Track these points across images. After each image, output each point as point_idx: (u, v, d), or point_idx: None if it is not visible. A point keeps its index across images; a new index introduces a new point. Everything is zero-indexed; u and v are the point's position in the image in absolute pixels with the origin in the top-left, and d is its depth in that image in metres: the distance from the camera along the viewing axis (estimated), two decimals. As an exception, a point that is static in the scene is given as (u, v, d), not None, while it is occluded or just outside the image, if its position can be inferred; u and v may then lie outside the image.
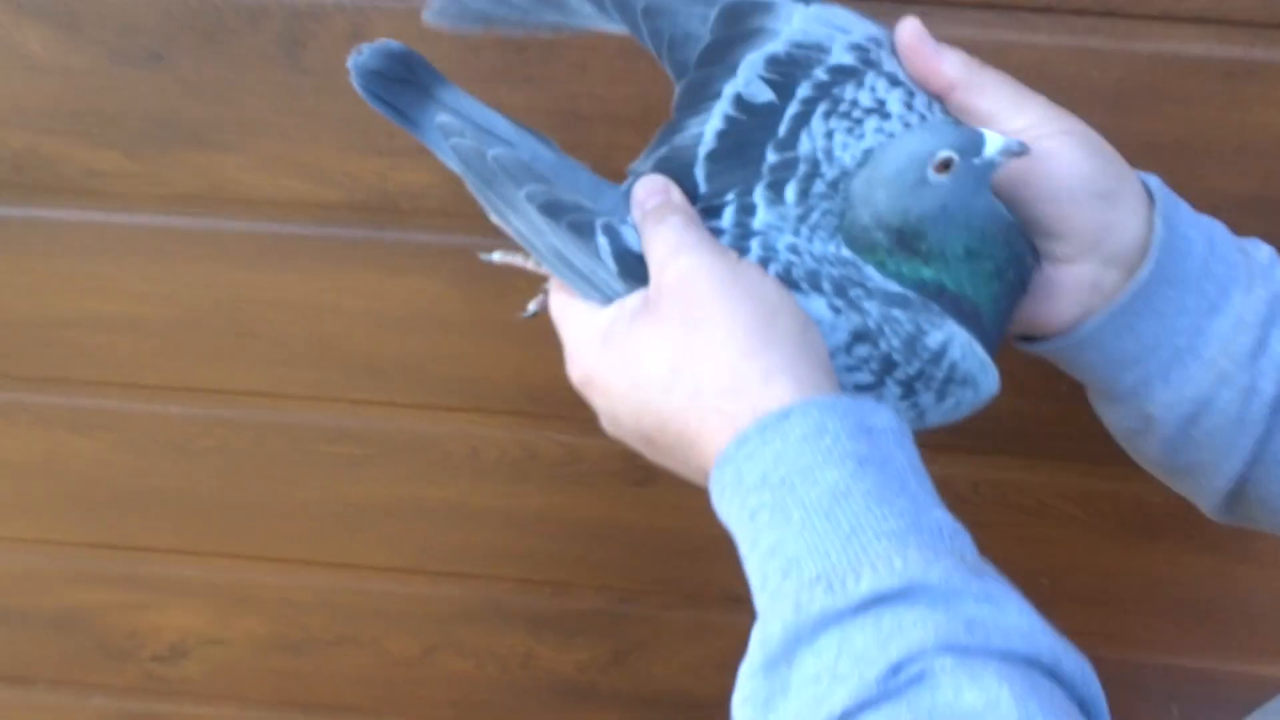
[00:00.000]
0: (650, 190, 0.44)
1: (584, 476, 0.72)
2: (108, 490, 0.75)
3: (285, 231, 0.65)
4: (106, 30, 0.60)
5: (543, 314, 0.50)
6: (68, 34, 0.60)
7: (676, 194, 0.44)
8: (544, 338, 0.67)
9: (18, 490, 0.76)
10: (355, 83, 0.46)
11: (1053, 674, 0.33)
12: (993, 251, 0.43)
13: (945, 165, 0.41)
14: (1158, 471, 0.49)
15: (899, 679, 0.32)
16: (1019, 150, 0.42)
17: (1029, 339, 0.47)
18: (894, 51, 0.46)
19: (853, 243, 0.44)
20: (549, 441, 0.71)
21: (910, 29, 0.44)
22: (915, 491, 0.37)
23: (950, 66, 0.44)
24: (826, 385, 0.39)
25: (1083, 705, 0.33)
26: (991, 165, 0.42)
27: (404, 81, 0.45)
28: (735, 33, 0.45)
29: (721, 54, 0.45)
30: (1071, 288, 0.44)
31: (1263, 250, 0.46)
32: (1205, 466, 0.46)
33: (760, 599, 0.37)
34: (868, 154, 0.44)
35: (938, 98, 0.45)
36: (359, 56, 0.46)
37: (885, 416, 0.38)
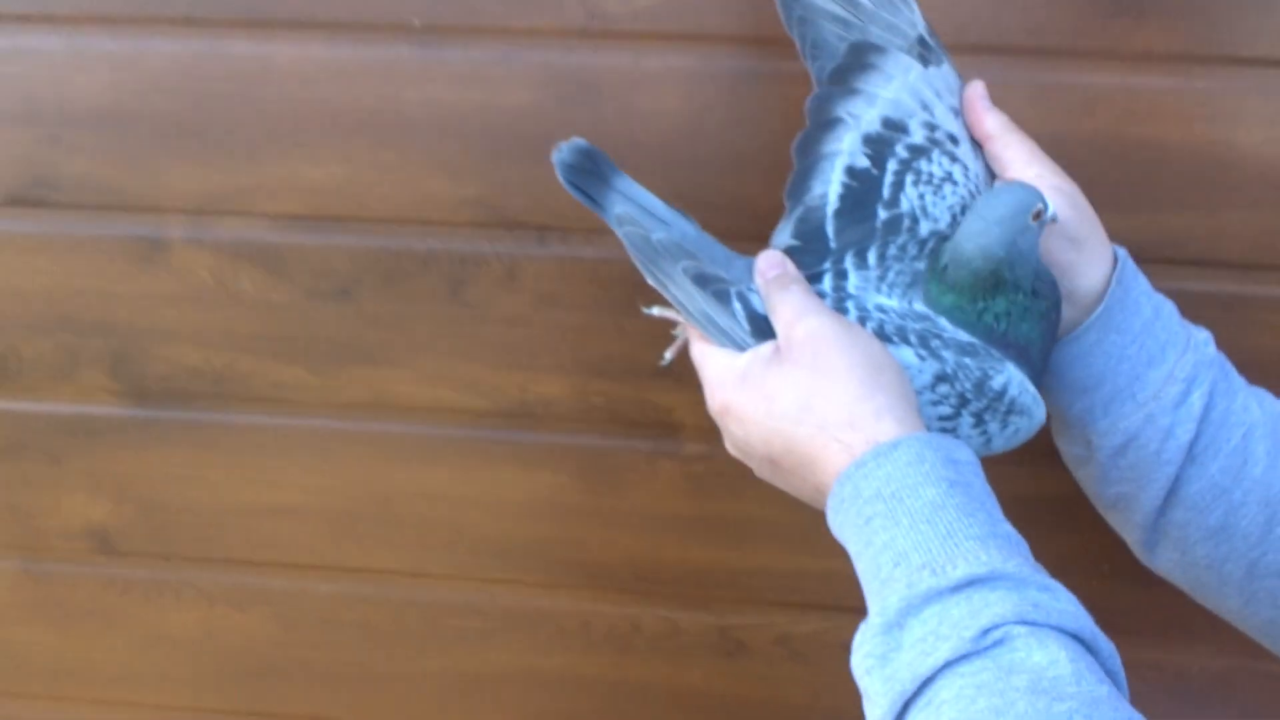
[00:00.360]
0: (770, 263, 0.56)
1: (682, 649, 0.81)
2: (256, 661, 0.85)
3: (436, 434, 0.78)
4: (306, 272, 0.74)
5: (677, 360, 0.62)
6: (274, 275, 0.74)
7: (791, 266, 0.56)
8: (650, 524, 0.78)
9: (175, 662, 0.86)
10: (558, 174, 0.58)
11: (1090, 648, 0.44)
12: (1046, 294, 0.55)
13: (1038, 215, 0.54)
14: (1099, 502, 0.60)
15: (986, 640, 0.42)
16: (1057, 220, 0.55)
17: None
18: (959, 113, 0.59)
19: (942, 283, 0.55)
20: (652, 616, 0.80)
21: (975, 89, 0.58)
22: (990, 509, 0.48)
23: (991, 123, 0.58)
24: (918, 424, 0.51)
25: (1110, 675, 0.44)
26: (1045, 224, 0.55)
27: (590, 172, 0.58)
28: (856, 62, 0.59)
29: (844, 76, 0.59)
30: None
31: (1203, 333, 0.59)
32: (1129, 499, 0.57)
33: (872, 585, 0.47)
34: (951, 210, 0.57)
35: (978, 143, 0.59)
36: (559, 153, 0.58)
37: (966, 453, 0.50)
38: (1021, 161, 0.57)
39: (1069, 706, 0.40)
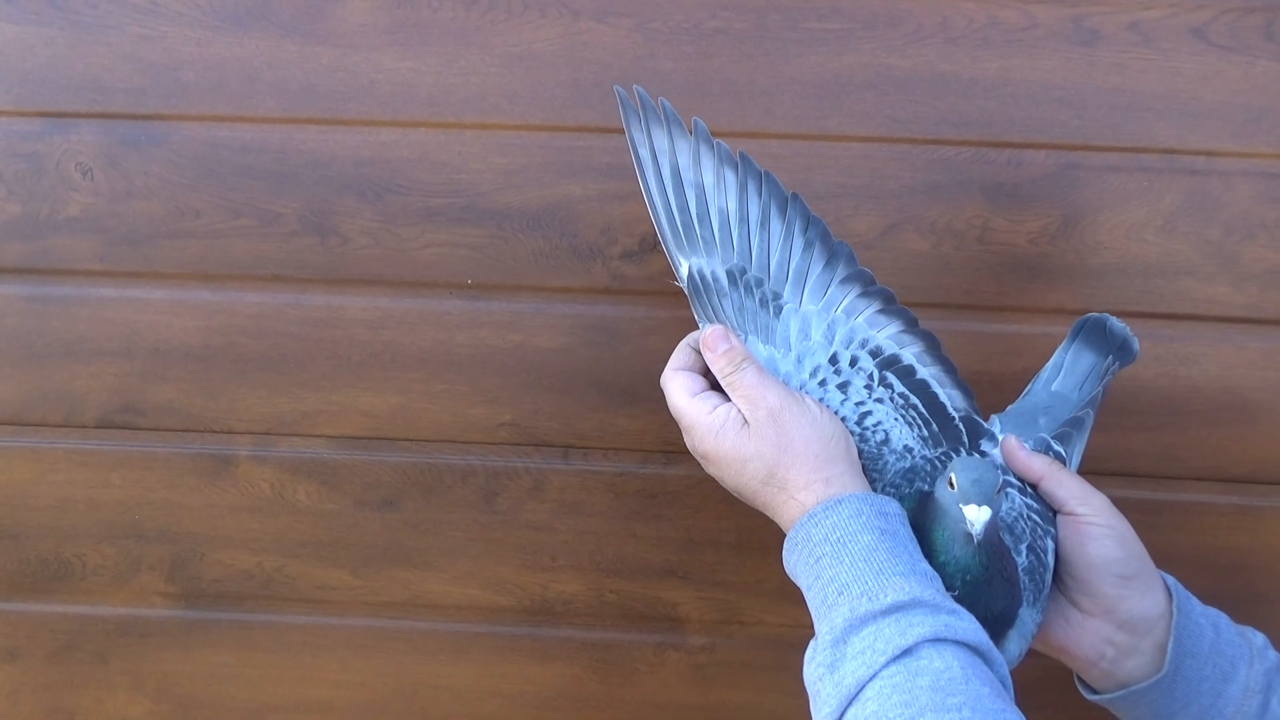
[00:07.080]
0: (717, 336, 0.65)
1: (684, 832, 0.87)
2: None
3: (463, 630, 0.86)
4: (356, 485, 0.85)
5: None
6: (327, 488, 0.85)
7: (737, 341, 0.65)
8: (658, 713, 0.86)
9: None
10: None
11: (986, 659, 0.55)
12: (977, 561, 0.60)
13: (951, 483, 0.59)
14: None
15: (906, 653, 0.54)
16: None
17: (1095, 691, 0.67)
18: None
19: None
20: (657, 800, 0.87)
21: (1010, 443, 0.67)
22: (912, 552, 0.59)
23: (1038, 465, 0.66)
24: (860, 484, 0.62)
25: (1000, 680, 0.55)
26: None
27: None
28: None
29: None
30: (1091, 634, 0.65)
31: (1259, 637, 0.66)
32: None
33: (820, 610, 0.58)
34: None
35: (1032, 485, 0.66)
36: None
37: (895, 507, 0.60)
38: (1076, 497, 0.65)
39: (959, 700, 0.52)
